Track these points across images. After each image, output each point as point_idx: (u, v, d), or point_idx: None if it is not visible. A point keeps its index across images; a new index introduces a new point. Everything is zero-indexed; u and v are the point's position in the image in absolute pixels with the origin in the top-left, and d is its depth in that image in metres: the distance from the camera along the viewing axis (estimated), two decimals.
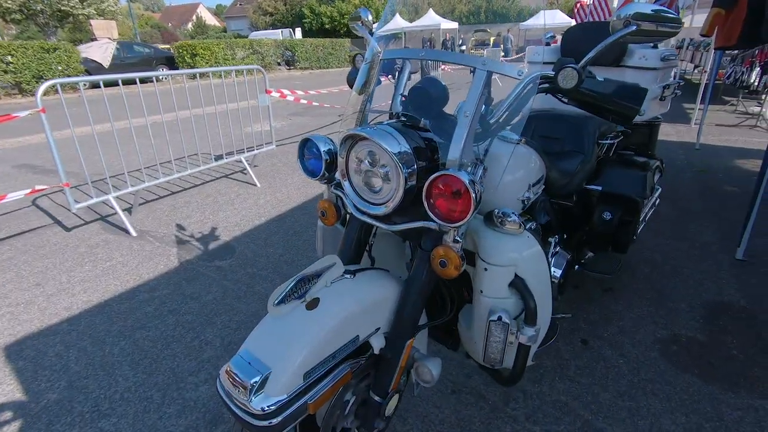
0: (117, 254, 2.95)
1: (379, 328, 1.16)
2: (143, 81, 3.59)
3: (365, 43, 1.47)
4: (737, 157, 5.03)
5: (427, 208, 1.00)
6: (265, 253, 2.91)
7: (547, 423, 1.59)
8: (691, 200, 3.72)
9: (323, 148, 1.24)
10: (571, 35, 2.27)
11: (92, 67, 13.12)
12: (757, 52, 7.47)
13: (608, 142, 2.02)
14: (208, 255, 2.92)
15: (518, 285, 1.17)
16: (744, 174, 4.44)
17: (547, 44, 2.57)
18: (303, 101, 5.35)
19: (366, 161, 1.11)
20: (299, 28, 29.94)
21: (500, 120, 1.19)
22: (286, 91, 4.89)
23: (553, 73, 1.10)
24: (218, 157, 4.28)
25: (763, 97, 7.11)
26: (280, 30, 27.94)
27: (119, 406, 1.71)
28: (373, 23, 1.53)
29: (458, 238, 1.06)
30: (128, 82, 3.38)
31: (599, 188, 1.96)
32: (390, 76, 1.45)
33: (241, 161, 4.43)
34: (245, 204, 3.85)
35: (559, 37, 2.45)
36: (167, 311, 2.30)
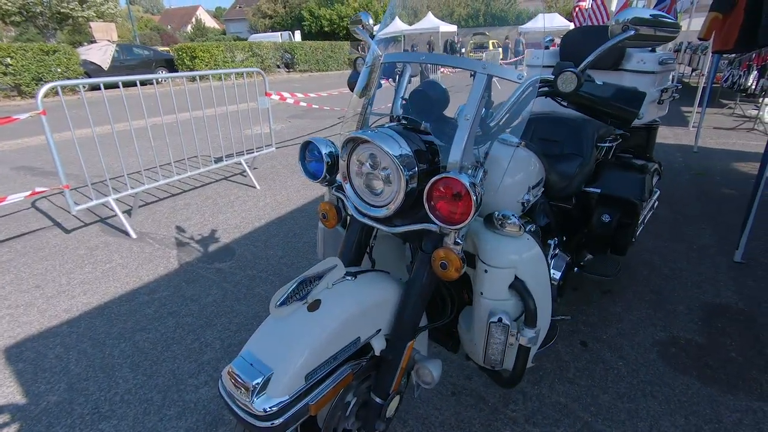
0: (117, 256, 2.95)
1: (380, 330, 1.17)
2: (143, 83, 3.60)
3: (365, 46, 1.48)
4: (735, 159, 5.05)
5: (428, 211, 1.01)
6: (265, 255, 2.92)
7: (546, 425, 1.60)
8: (689, 203, 3.73)
9: (324, 151, 1.25)
10: (570, 39, 2.29)
11: (91, 70, 13.14)
12: (754, 55, 7.52)
13: (607, 145, 2.03)
14: (208, 257, 2.92)
15: (518, 287, 1.18)
16: (742, 177, 4.46)
17: (546, 48, 2.59)
18: (303, 104, 5.37)
19: (367, 164, 1.12)
20: (298, 31, 30.03)
21: (500, 123, 1.20)
22: (285, 94, 4.91)
23: (553, 76, 1.11)
24: (218, 159, 4.29)
25: (760, 100, 7.16)
26: (279, 33, 28.02)
27: (119, 408, 1.71)
28: (374, 27, 1.55)
29: (459, 240, 1.07)
30: (128, 85, 3.38)
31: (598, 191, 1.97)
32: (390, 79, 1.47)
33: (240, 163, 4.44)
34: (245, 206, 3.86)
35: (558, 41, 2.47)
36: (167, 313, 2.30)
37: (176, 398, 1.75)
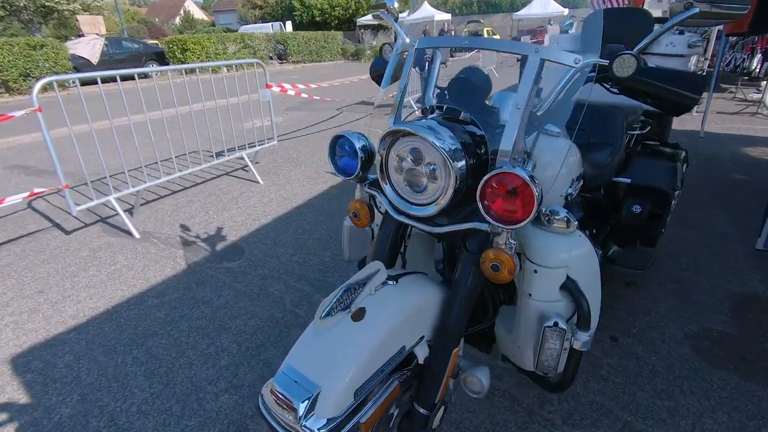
0: (121, 257, 2.85)
1: (423, 337, 1.10)
2: (139, 77, 3.46)
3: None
4: (742, 144, 5.00)
5: (482, 210, 0.93)
6: (275, 253, 2.83)
7: (585, 426, 1.54)
8: (701, 189, 3.68)
9: (358, 145, 1.16)
10: (593, 22, 2.19)
11: (80, 64, 12.82)
12: (757, 39, 7.44)
13: (636, 132, 1.96)
14: (216, 256, 2.83)
15: (570, 287, 1.10)
16: (751, 162, 4.41)
17: (565, 32, 2.49)
18: (304, 95, 5.23)
19: (408, 159, 1.04)
20: (289, 21, 29.50)
21: (547, 111, 1.12)
22: (287, 86, 4.77)
23: (606, 60, 1.03)
24: (219, 154, 4.16)
25: (763, 84, 7.10)
26: (270, 23, 27.51)
27: (137, 419, 1.63)
28: (399, 11, 1.45)
29: (512, 241, 0.99)
30: (123, 78, 3.25)
31: (628, 180, 1.89)
32: (417, 67, 1.37)
33: (242, 158, 4.31)
34: (250, 202, 3.75)
35: (576, 24, 2.38)
36: (179, 316, 2.22)
37: (196, 407, 1.67)
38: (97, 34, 14.84)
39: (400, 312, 1.01)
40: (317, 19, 31.42)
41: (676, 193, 1.93)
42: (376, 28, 28.87)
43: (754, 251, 2.66)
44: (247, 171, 4.47)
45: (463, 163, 0.97)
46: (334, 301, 0.92)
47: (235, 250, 2.90)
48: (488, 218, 0.93)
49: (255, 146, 4.44)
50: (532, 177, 0.89)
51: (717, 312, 2.12)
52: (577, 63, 0.99)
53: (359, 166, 1.16)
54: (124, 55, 14.55)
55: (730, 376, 1.73)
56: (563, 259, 1.10)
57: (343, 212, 3.45)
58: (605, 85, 1.17)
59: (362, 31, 28.15)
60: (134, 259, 2.83)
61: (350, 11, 30.09)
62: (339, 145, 1.20)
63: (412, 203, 1.07)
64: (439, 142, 0.94)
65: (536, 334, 1.12)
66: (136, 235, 3.14)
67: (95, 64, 13.26)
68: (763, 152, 4.70)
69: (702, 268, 2.50)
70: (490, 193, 0.93)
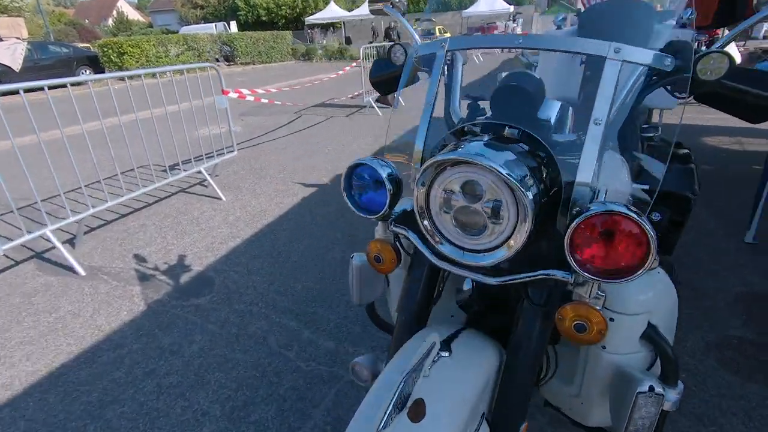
0: (64, 302, 2.41)
1: (483, 413, 0.87)
2: (69, 85, 2.97)
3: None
4: (698, 134, 5.17)
5: (574, 264, 0.71)
6: (249, 283, 2.50)
7: None
8: None
9: (383, 174, 0.91)
10: (592, 16, 2.04)
11: (0, 72, 11.53)
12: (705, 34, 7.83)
13: (652, 134, 1.83)
14: (182, 291, 2.45)
15: (652, 336, 0.91)
16: (712, 151, 4.54)
17: (559, 28, 2.35)
18: (264, 100, 4.85)
19: (458, 194, 0.80)
20: (234, 22, 28.33)
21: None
22: (245, 91, 4.38)
23: (676, 60, 0.85)
24: (173, 168, 3.72)
25: None
26: (213, 24, 26.31)
27: None
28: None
29: (600, 292, 0.78)
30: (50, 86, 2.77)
31: (646, 186, 1.75)
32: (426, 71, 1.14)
33: (200, 172, 3.89)
34: (212, 223, 3.37)
35: (570, 18, 2.23)
36: (143, 374, 1.86)
37: None
38: (17, 38, 13.43)
39: (464, 398, 0.78)
40: (263, 18, 30.40)
41: (697, 197, 1.82)
42: (325, 27, 28.36)
43: (745, 245, 2.65)
44: (206, 186, 4.05)
45: (535, 194, 0.75)
46: (391, 406, 0.66)
47: (203, 282, 2.54)
48: (583, 273, 0.71)
49: (213, 157, 4.03)
50: (638, 214, 0.68)
51: (730, 316, 2.05)
52: (668, 65, 0.80)
53: (387, 202, 0.91)
54: (52, 61, 13.23)
55: (764, 391, 1.63)
56: (644, 303, 0.91)
57: (321, 226, 3.16)
58: (668, 88, 0.99)
59: (311, 30, 27.58)
60: (80, 302, 2.40)
61: (297, 10, 29.35)
62: (356, 176, 0.95)
63: (465, 249, 0.84)
64: (505, 170, 0.72)
65: (607, 389, 0.94)
66: (81, 271, 2.69)
67: (17, 71, 11.97)
68: (720, 141, 4.87)
69: (701, 268, 2.45)
70: (576, 238, 0.72)
